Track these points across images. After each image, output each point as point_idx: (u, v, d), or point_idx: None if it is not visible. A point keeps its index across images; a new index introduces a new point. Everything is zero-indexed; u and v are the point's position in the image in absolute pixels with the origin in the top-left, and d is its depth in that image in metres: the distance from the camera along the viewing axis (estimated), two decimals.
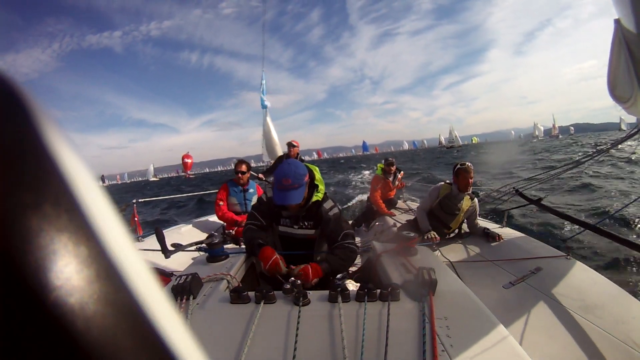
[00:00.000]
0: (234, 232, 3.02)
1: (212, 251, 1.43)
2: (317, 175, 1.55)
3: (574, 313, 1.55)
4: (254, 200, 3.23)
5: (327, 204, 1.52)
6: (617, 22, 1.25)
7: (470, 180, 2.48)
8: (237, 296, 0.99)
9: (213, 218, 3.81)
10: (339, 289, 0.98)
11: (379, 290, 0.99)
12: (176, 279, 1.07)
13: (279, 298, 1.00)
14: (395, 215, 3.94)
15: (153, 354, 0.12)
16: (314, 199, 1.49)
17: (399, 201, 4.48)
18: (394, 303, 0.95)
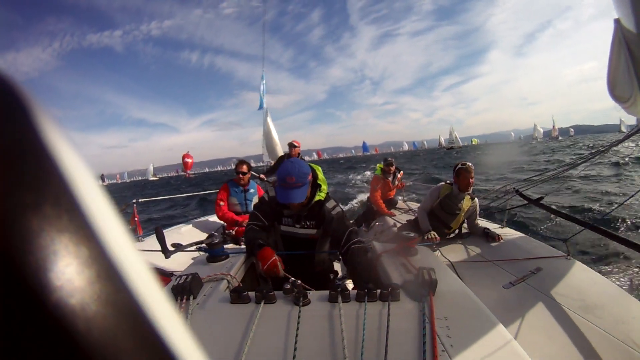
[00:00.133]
0: (234, 232, 3.02)
1: (212, 251, 1.43)
2: (320, 174, 1.55)
3: (574, 313, 1.55)
4: (255, 200, 3.23)
5: (330, 204, 1.51)
6: (617, 21, 1.25)
7: (471, 180, 2.49)
8: (237, 296, 0.99)
9: (213, 218, 3.81)
10: (339, 289, 0.98)
11: (379, 291, 0.98)
12: (176, 279, 1.07)
13: (279, 298, 1.00)
14: (395, 215, 3.94)
15: (153, 354, 0.12)
16: (317, 198, 1.48)
17: (399, 201, 4.49)
18: (394, 303, 0.95)
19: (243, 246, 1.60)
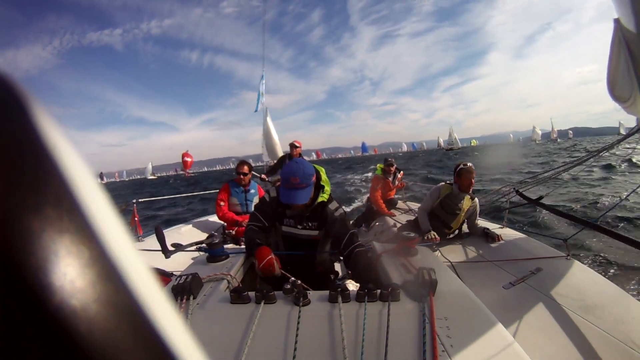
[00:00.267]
0: (234, 232, 3.02)
1: (212, 251, 1.43)
2: (323, 176, 1.54)
3: (574, 313, 1.55)
4: (255, 200, 3.22)
5: (332, 205, 1.51)
6: (616, 21, 1.25)
7: (472, 180, 2.50)
8: (237, 296, 0.99)
9: (213, 218, 3.81)
10: (339, 289, 0.98)
11: (379, 291, 0.98)
12: (176, 279, 1.07)
13: (279, 298, 1.00)
14: (395, 215, 3.94)
15: (153, 354, 0.12)
16: (320, 199, 1.47)
17: (399, 201, 4.49)
18: (394, 303, 0.95)
19: (243, 246, 1.59)
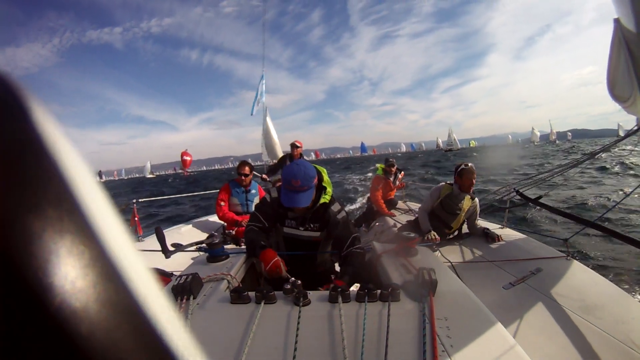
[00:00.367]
0: (234, 232, 3.01)
1: (213, 251, 1.43)
2: (325, 177, 1.52)
3: (574, 314, 1.55)
4: (256, 201, 3.22)
5: (335, 207, 1.49)
6: (616, 21, 1.25)
7: (473, 180, 2.50)
8: (237, 296, 0.99)
9: (213, 218, 3.81)
10: (339, 289, 0.98)
11: (379, 291, 0.98)
12: (176, 279, 1.07)
13: (279, 298, 1.00)
14: (395, 215, 3.94)
15: (153, 354, 0.12)
16: (322, 201, 1.46)
17: (399, 202, 4.50)
18: (394, 303, 0.95)
19: (243, 246, 1.59)
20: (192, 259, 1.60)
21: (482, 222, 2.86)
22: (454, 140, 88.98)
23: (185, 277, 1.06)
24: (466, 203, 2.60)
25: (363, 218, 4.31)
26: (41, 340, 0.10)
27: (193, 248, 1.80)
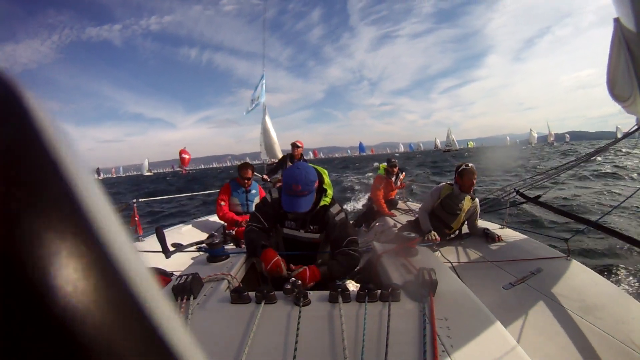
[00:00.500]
0: (234, 232, 3.01)
1: (213, 251, 1.43)
2: (326, 179, 1.51)
3: (574, 314, 1.55)
4: (256, 201, 3.22)
5: (334, 209, 1.49)
6: (616, 21, 1.25)
7: (474, 181, 2.50)
8: (237, 296, 0.99)
9: (213, 218, 3.81)
10: (340, 289, 0.98)
11: (379, 291, 0.99)
12: (177, 279, 1.07)
13: (280, 298, 1.00)
14: (395, 215, 3.94)
15: (154, 354, 0.12)
16: (322, 203, 1.46)
17: (399, 202, 4.50)
18: (394, 303, 0.95)
19: (243, 246, 1.59)
20: (192, 259, 1.60)
21: (482, 223, 2.86)
22: (452, 140, 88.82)
23: (185, 277, 1.06)
24: (466, 203, 2.60)
25: (363, 218, 4.32)
26: (41, 341, 0.10)
27: (193, 248, 1.81)
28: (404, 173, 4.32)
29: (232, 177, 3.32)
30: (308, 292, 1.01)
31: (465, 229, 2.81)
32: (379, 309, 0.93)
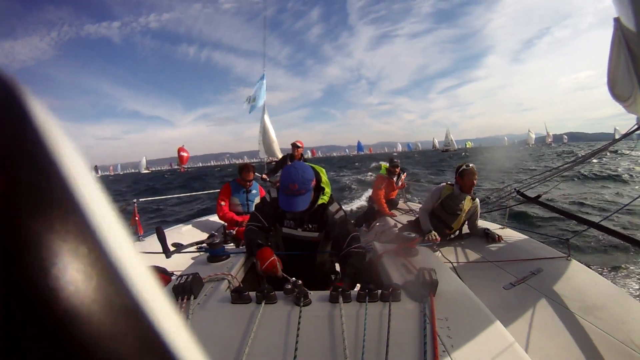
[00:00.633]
0: (234, 232, 3.01)
1: (213, 251, 1.43)
2: (324, 177, 1.51)
3: (575, 314, 1.55)
4: (257, 201, 3.21)
5: (333, 207, 1.49)
6: (616, 20, 1.25)
7: (474, 181, 2.50)
8: (238, 296, 0.99)
9: (214, 218, 3.81)
10: (340, 289, 0.97)
11: (379, 291, 0.98)
12: (177, 279, 1.07)
13: (280, 298, 1.00)
14: (396, 215, 3.94)
15: (154, 354, 0.12)
16: (320, 202, 1.46)
17: (400, 202, 4.50)
18: (395, 303, 0.95)
19: (244, 246, 1.59)
20: (193, 258, 1.60)
21: (482, 223, 2.86)
22: (451, 140, 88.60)
23: (185, 277, 1.06)
24: (467, 203, 2.60)
25: (364, 218, 4.32)
26: (42, 341, 0.10)
27: (194, 248, 1.81)
28: (405, 173, 4.33)
29: (231, 175, 3.32)
30: (308, 292, 1.00)
31: (465, 229, 2.81)
32: (380, 309, 0.93)
